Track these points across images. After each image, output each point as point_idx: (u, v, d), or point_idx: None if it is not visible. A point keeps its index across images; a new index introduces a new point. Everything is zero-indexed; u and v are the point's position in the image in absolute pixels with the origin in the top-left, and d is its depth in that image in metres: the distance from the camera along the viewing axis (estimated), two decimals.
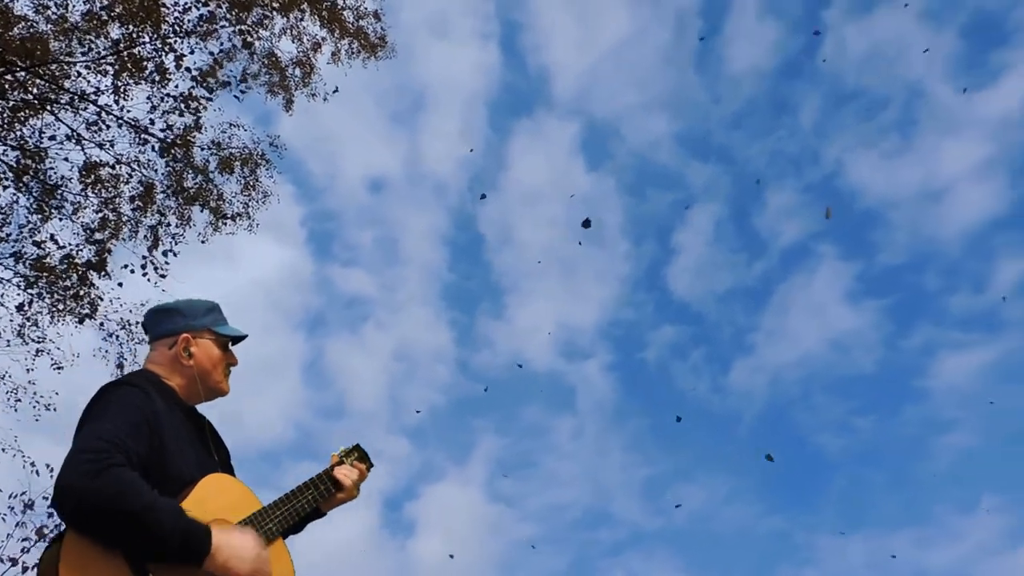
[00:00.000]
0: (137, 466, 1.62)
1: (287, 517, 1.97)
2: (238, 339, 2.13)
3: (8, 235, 9.96)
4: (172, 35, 9.85)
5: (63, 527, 1.59)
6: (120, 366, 10.70)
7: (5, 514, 9.44)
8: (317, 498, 2.09)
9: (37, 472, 9.91)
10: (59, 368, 10.30)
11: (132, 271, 10.06)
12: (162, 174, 10.78)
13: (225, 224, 11.32)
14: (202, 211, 10.78)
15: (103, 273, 9.47)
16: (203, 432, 2.02)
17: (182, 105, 9.99)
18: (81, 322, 9.59)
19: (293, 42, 11.40)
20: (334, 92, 11.63)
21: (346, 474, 2.16)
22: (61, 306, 9.64)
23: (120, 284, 9.84)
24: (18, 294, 9.53)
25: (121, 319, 10.64)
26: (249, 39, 10.11)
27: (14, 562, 8.99)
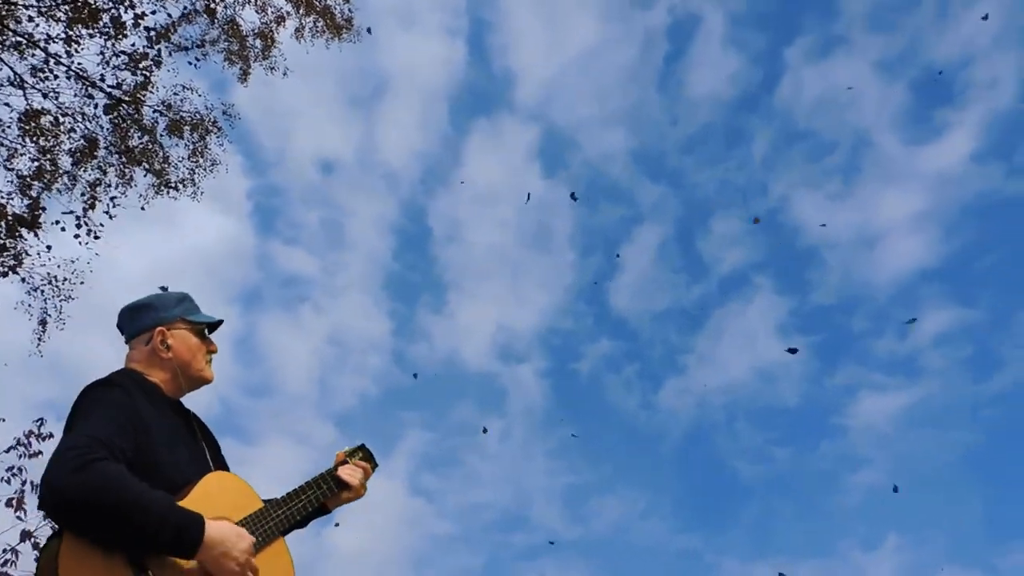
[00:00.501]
0: (122, 461, 1.61)
1: (288, 517, 1.97)
2: (214, 326, 2.13)
3: None
4: None
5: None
6: (43, 322, 10.38)
7: None
8: (319, 497, 2.10)
9: None
10: None
11: (64, 229, 9.75)
12: (107, 130, 10.48)
13: (168, 189, 11.07)
14: (145, 174, 10.51)
15: (35, 231, 9.15)
16: (191, 427, 2.01)
17: (135, 64, 9.71)
18: (4, 275, 9.25)
19: (257, 12, 11.21)
20: (283, 75, 11.47)
21: (350, 473, 2.18)
22: None
23: (49, 247, 9.53)
24: None
25: (48, 274, 10.31)
26: (212, 5, 9.89)
27: None
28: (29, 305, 10.40)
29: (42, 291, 10.43)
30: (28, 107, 9.69)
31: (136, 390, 1.83)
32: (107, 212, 10.09)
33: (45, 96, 9.61)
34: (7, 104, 9.58)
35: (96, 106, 9.96)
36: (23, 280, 9.69)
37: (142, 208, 10.61)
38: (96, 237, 9.78)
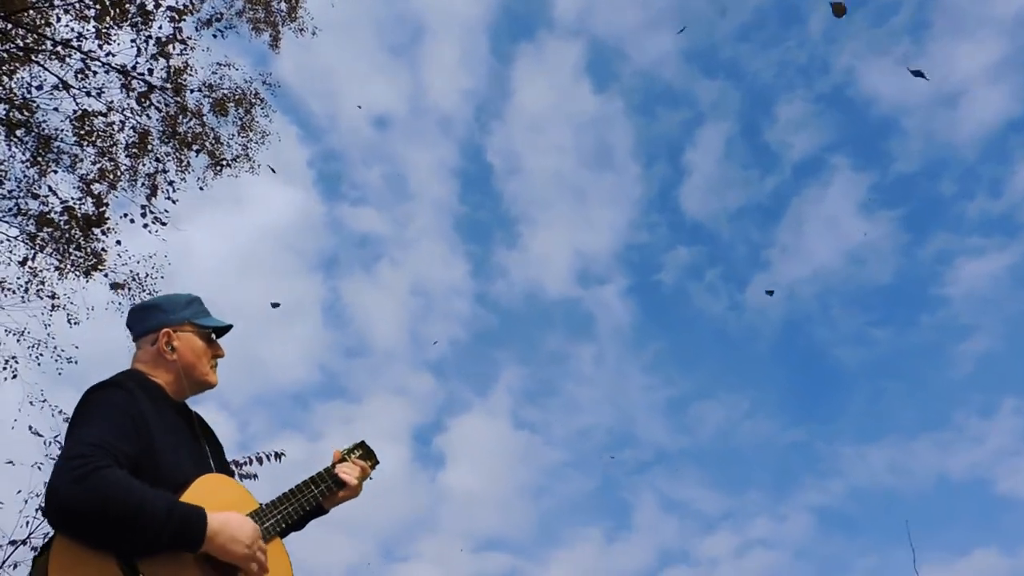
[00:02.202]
0: (125, 466, 1.62)
1: (285, 516, 1.96)
2: (222, 330, 2.11)
3: (10, 192, 9.96)
4: None
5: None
6: None
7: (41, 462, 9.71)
8: (317, 496, 2.07)
9: (66, 419, 10.14)
10: (76, 323, 10.43)
11: (132, 221, 10.04)
12: (156, 120, 10.66)
13: (223, 168, 11.23)
14: (197, 155, 10.67)
15: (103, 228, 9.45)
16: (194, 428, 2.01)
17: (167, 47, 9.77)
18: (87, 275, 9.62)
19: None
20: (312, 35, 11.32)
21: (348, 472, 2.14)
22: (66, 260, 9.67)
23: (118, 242, 9.84)
24: (24, 250, 9.56)
25: (130, 271, 10.71)
26: None
27: None
28: (120, 304, 10.86)
29: (128, 288, 10.86)
30: (77, 109, 9.93)
31: (138, 390, 1.83)
32: (169, 197, 10.32)
33: (89, 95, 9.80)
34: (56, 109, 9.83)
35: (138, 101, 10.10)
36: (105, 276, 10.06)
37: (200, 189, 10.81)
38: (163, 224, 10.03)
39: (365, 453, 2.23)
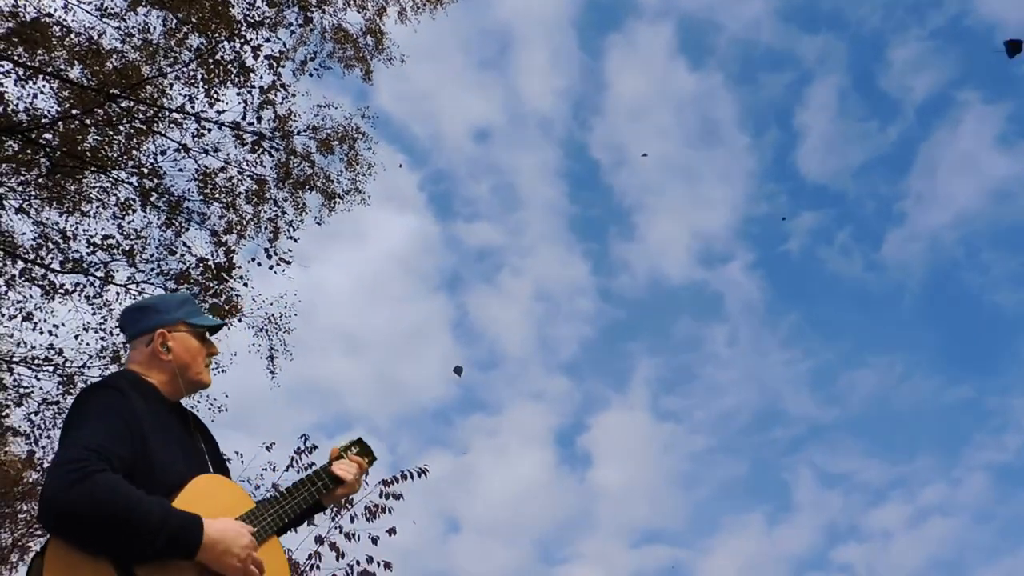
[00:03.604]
0: (120, 469, 1.63)
1: (281, 516, 1.96)
2: (215, 329, 2.13)
3: (151, 255, 10.79)
4: (244, 29, 10.14)
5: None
6: (271, 357, 11.38)
7: None
8: (314, 494, 2.09)
9: (229, 460, 10.81)
10: (223, 371, 11.11)
11: (260, 264, 10.61)
12: (270, 167, 11.25)
13: (336, 203, 11.68)
14: (310, 194, 11.15)
15: (232, 274, 10.03)
16: (189, 428, 2.02)
17: (269, 94, 10.30)
18: (224, 320, 10.21)
19: (358, 12, 11.45)
20: (401, 63, 11.60)
21: (345, 469, 2.15)
22: (205, 309, 10.32)
23: (245, 284, 10.40)
24: None
25: (265, 313, 11.32)
26: (309, 14, 10.22)
27: None
28: (259, 346, 11.49)
29: (266, 330, 11.47)
30: (199, 169, 10.64)
31: (131, 391, 1.84)
32: (291, 237, 10.82)
33: (207, 153, 10.46)
34: (180, 170, 10.56)
35: (252, 150, 10.69)
36: (239, 320, 10.65)
37: (318, 224, 11.26)
38: (287, 263, 10.51)
39: (362, 450, 2.25)
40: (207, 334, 2.09)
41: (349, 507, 6.99)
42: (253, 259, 10.66)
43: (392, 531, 7.09)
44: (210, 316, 2.12)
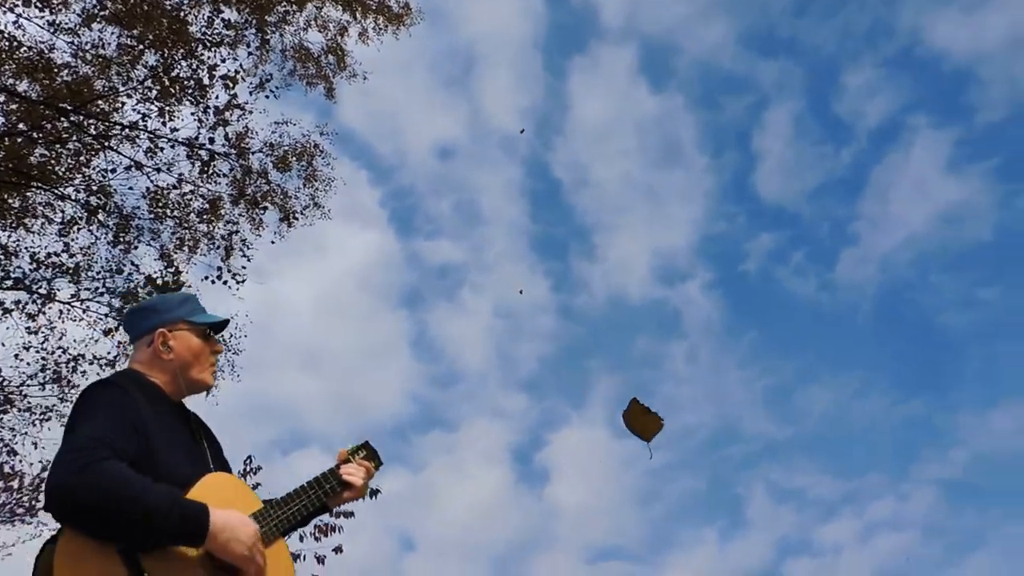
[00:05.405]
0: (125, 460, 1.62)
1: (288, 517, 1.95)
2: (219, 326, 2.11)
3: (96, 273, 10.53)
4: (202, 49, 10.03)
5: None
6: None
7: None
8: (321, 497, 2.07)
9: None
10: None
11: (213, 282, 10.43)
12: (225, 184, 11.10)
13: (294, 220, 11.56)
14: (265, 212, 11.02)
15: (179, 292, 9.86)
16: (191, 428, 2.00)
17: (224, 114, 10.17)
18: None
19: (319, 31, 11.41)
20: (363, 80, 11.57)
21: (352, 472, 2.14)
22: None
23: None
24: (113, 325, 10.05)
25: None
26: (266, 36, 10.15)
27: None
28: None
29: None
30: (151, 186, 10.45)
31: (135, 390, 1.83)
32: (244, 254, 10.68)
33: (159, 171, 10.29)
34: (130, 188, 10.36)
35: (202, 170, 10.54)
36: None
37: (273, 243, 11.13)
38: (239, 282, 10.36)
39: (369, 454, 2.24)
40: (210, 332, 2.08)
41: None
42: (206, 277, 10.49)
43: (338, 549, 6.95)
44: (212, 314, 2.11)
